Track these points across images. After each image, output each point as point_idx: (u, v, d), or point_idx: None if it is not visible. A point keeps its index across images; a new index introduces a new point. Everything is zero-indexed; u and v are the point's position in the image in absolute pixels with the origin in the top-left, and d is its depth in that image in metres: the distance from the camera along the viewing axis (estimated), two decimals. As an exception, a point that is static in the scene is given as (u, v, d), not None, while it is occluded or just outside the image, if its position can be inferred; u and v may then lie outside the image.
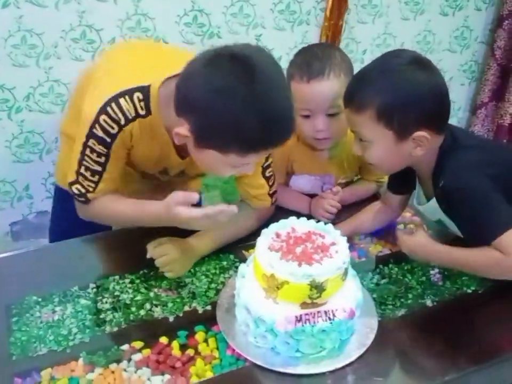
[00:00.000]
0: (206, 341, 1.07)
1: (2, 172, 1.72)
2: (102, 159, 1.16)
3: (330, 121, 1.39)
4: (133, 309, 1.14)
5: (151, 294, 1.17)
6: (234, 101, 0.98)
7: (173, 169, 1.31)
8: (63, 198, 1.43)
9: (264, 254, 1.03)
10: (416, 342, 1.08)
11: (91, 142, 1.13)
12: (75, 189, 1.20)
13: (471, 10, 2.18)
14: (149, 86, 1.12)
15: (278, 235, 1.09)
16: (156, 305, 1.14)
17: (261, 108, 0.98)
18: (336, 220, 1.38)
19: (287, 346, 1.02)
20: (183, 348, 1.05)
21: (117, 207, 1.22)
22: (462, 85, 2.36)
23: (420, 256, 1.20)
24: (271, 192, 1.35)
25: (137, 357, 1.03)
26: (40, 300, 1.15)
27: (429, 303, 1.17)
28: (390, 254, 1.32)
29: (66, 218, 1.41)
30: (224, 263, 1.26)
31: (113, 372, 1.01)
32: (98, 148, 1.14)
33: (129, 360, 1.03)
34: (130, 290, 1.18)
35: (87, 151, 1.15)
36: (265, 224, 1.13)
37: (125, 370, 1.01)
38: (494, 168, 1.11)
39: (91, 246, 1.33)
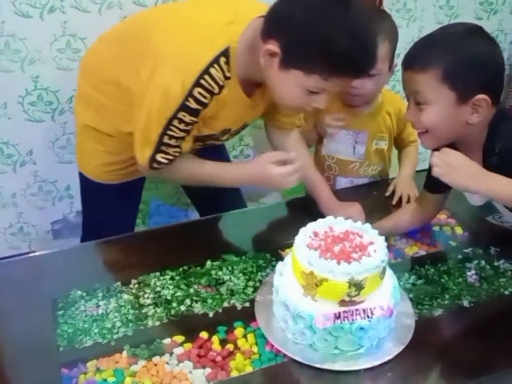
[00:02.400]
0: (244, 336, 1.09)
1: (45, 172, 1.77)
2: (189, 127, 1.21)
3: (366, 81, 1.47)
4: (174, 304, 1.17)
5: (191, 290, 1.20)
6: (329, 20, 1.06)
7: (237, 127, 1.36)
8: (90, 187, 1.48)
9: (303, 251, 1.05)
10: (453, 342, 1.09)
11: (181, 114, 1.17)
12: (161, 158, 1.24)
13: (506, 14, 2.17)
14: (228, 48, 1.16)
15: (316, 234, 1.10)
16: (196, 301, 1.17)
17: (352, 31, 1.06)
18: (371, 219, 1.39)
19: (326, 343, 1.03)
20: (222, 342, 1.08)
21: (196, 167, 1.30)
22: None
23: (460, 177, 1.08)
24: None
25: (178, 350, 1.06)
26: (84, 294, 1.18)
27: (465, 303, 1.18)
28: (426, 255, 1.33)
29: (97, 206, 1.50)
30: (261, 261, 1.29)
31: (156, 365, 1.04)
32: (189, 118, 1.19)
33: (171, 353, 1.06)
34: (171, 287, 1.21)
35: (175, 122, 1.18)
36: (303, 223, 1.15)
37: (167, 363, 1.04)
38: None
39: (132, 243, 1.37)
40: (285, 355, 1.05)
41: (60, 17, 1.54)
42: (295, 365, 1.04)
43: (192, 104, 1.16)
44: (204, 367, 1.03)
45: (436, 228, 1.42)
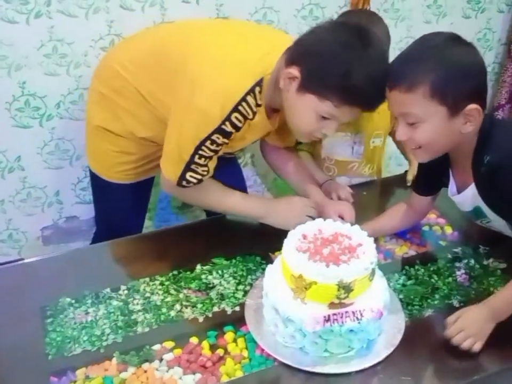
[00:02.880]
0: (235, 341, 1.09)
1: (33, 178, 1.76)
2: (219, 148, 1.29)
3: None
4: (164, 309, 1.16)
5: (181, 296, 1.20)
6: (351, 55, 1.14)
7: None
8: (102, 186, 1.54)
9: (292, 255, 1.05)
10: (443, 342, 1.08)
11: (215, 136, 1.25)
12: (190, 177, 1.30)
13: (493, 12, 2.16)
14: (262, 78, 1.24)
15: (304, 236, 1.10)
16: (186, 306, 1.17)
17: (370, 69, 1.14)
18: (361, 220, 1.39)
19: (316, 346, 1.03)
20: (213, 347, 1.08)
21: (221, 195, 1.38)
22: (486, 87, 2.34)
23: (478, 332, 1.07)
24: None
25: (168, 356, 1.06)
26: (73, 301, 1.18)
27: (455, 303, 1.18)
28: (416, 255, 1.33)
29: (109, 204, 1.55)
30: (251, 265, 1.28)
31: (145, 371, 1.04)
32: (222, 140, 1.26)
33: (161, 359, 1.06)
34: (160, 292, 1.21)
35: (208, 143, 1.25)
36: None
37: (157, 369, 1.04)
38: None
39: (122, 249, 1.36)
40: (275, 359, 1.04)
41: (46, 23, 1.53)
42: (285, 368, 1.04)
43: (228, 127, 1.24)
44: (194, 373, 1.03)
45: (426, 228, 1.42)
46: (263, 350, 1.06)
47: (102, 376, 1.02)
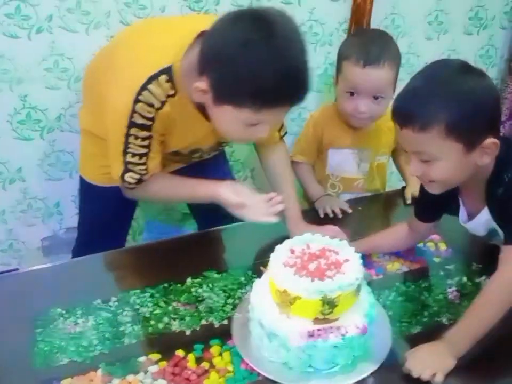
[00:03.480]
0: (221, 354, 1.09)
1: (34, 189, 1.78)
2: (146, 142, 1.24)
3: (373, 104, 1.51)
4: (152, 322, 1.17)
5: (170, 308, 1.20)
6: (252, 54, 1.05)
7: (205, 145, 1.39)
8: (88, 190, 1.55)
9: (278, 269, 1.05)
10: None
11: (133, 131, 1.21)
12: (129, 177, 1.28)
13: (496, 28, 2.17)
14: (171, 66, 1.18)
15: (292, 251, 1.11)
16: (174, 319, 1.17)
17: (277, 63, 1.05)
18: (354, 235, 1.39)
19: (300, 361, 1.03)
20: (198, 360, 1.07)
21: (167, 190, 1.35)
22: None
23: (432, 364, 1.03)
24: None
25: (153, 368, 1.06)
26: (64, 312, 1.19)
27: (444, 321, 1.17)
28: (408, 271, 1.32)
29: (94, 208, 1.54)
30: (242, 278, 1.29)
31: (130, 383, 1.04)
32: (142, 133, 1.22)
33: (146, 371, 1.05)
34: (150, 304, 1.21)
35: (131, 139, 1.22)
36: (280, 241, 1.15)
37: (141, 382, 1.04)
38: None
39: (114, 261, 1.38)
40: (259, 373, 1.04)
41: (47, 38, 1.56)
42: (269, 383, 1.03)
43: (138, 119, 1.19)
44: (177, 386, 1.03)
45: (420, 244, 1.41)
46: (247, 364, 1.06)
47: (87, 387, 1.03)
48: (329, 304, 1.00)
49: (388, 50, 1.47)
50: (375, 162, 1.66)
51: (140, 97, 1.17)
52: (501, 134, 2.15)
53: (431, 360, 1.03)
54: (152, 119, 1.21)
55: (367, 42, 1.49)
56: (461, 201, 1.22)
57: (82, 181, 1.57)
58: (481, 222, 1.19)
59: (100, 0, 1.57)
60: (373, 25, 1.92)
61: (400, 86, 1.09)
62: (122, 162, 1.26)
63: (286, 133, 1.50)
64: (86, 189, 1.56)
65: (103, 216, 1.53)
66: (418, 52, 2.06)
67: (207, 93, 1.14)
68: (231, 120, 1.16)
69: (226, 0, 1.72)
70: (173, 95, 1.20)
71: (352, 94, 1.51)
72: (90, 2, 1.55)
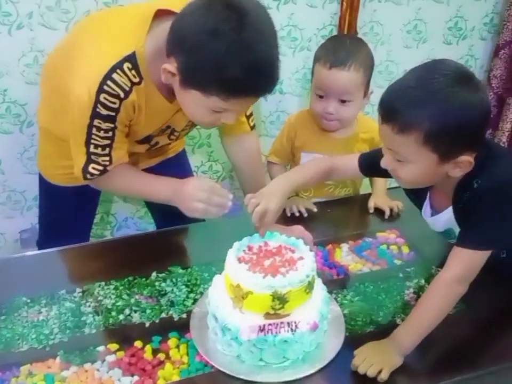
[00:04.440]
0: (177, 347, 1.12)
1: (13, 182, 1.82)
2: (110, 133, 1.22)
3: (340, 107, 1.54)
4: (113, 313, 1.20)
5: (132, 300, 1.23)
6: (221, 44, 1.04)
7: (176, 126, 1.38)
8: (47, 188, 1.54)
9: (233, 265, 1.08)
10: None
11: (96, 122, 1.19)
12: (92, 169, 1.26)
13: (475, 39, 2.21)
14: (134, 53, 1.16)
15: (250, 248, 1.14)
16: (135, 311, 1.20)
17: (245, 55, 1.05)
18: (319, 235, 1.43)
19: (251, 355, 1.06)
20: (155, 352, 1.10)
21: (129, 184, 1.33)
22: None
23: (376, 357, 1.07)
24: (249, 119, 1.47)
25: (111, 358, 1.09)
26: (29, 301, 1.22)
27: (398, 321, 1.19)
28: (369, 272, 1.35)
29: (53, 206, 1.54)
30: (206, 274, 1.31)
31: (86, 371, 1.07)
32: (105, 125, 1.20)
33: (103, 361, 1.09)
34: (113, 296, 1.24)
35: (94, 131, 1.20)
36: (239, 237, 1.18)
37: (97, 370, 1.07)
38: None
39: (81, 253, 1.40)
40: (213, 366, 1.07)
41: (27, 34, 1.60)
42: (221, 375, 1.06)
43: (103, 110, 1.17)
44: (132, 375, 1.06)
45: (383, 247, 1.44)
46: (202, 356, 1.09)
47: (44, 373, 1.06)
48: (280, 299, 1.03)
49: (357, 54, 1.50)
50: None
51: (104, 87, 1.15)
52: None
53: (377, 357, 1.06)
54: (116, 110, 1.19)
55: (336, 45, 1.53)
56: (428, 195, 1.25)
57: (40, 177, 1.56)
58: (443, 219, 1.22)
59: (80, -1, 1.61)
60: (352, 32, 1.96)
61: (379, 92, 1.10)
62: (85, 154, 1.24)
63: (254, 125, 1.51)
64: (44, 185, 1.55)
65: (62, 213, 1.53)
66: (397, 59, 2.10)
67: (175, 76, 1.14)
68: (197, 104, 1.16)
69: None
70: (138, 83, 1.19)
71: (321, 97, 1.54)
72: (70, 1, 1.59)
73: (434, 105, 1.00)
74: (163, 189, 1.31)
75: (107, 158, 1.26)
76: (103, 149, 1.24)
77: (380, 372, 1.05)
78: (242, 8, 1.06)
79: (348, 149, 1.65)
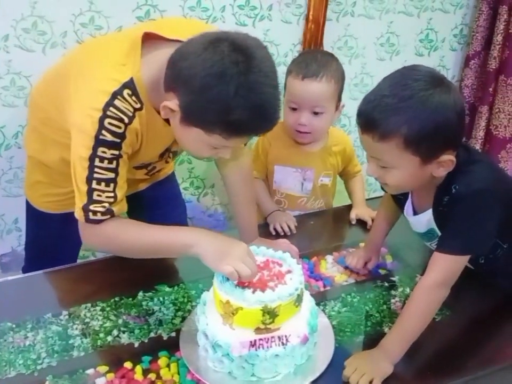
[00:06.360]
0: (168, 366, 1.11)
1: (-8, 206, 1.80)
2: (114, 164, 1.17)
3: (313, 118, 1.57)
4: (101, 335, 1.19)
5: (120, 321, 1.22)
6: (228, 86, 1.04)
7: (175, 148, 1.38)
8: (34, 215, 1.52)
9: (221, 282, 1.08)
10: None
11: (100, 151, 1.14)
12: (94, 208, 1.17)
13: (446, 50, 2.27)
14: (132, 79, 1.15)
15: (237, 264, 1.14)
16: (123, 332, 1.19)
17: (252, 98, 1.05)
18: (304, 249, 1.44)
19: (243, 371, 1.06)
20: (145, 372, 1.10)
21: (141, 230, 1.20)
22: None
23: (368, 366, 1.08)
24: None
25: (101, 381, 1.08)
26: (14, 326, 1.20)
27: (386, 330, 1.21)
28: (354, 283, 1.37)
29: (40, 233, 1.52)
30: (193, 291, 1.32)
31: (76, 395, 1.06)
32: (110, 153, 1.15)
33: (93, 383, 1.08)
34: (100, 317, 1.23)
35: (96, 162, 1.14)
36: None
37: (87, 393, 1.06)
38: (503, 184, 1.16)
39: (66, 276, 1.39)
40: (204, 383, 1.07)
41: (4, 57, 1.59)
42: (213, 393, 1.06)
43: (108, 136, 1.14)
44: (123, 397, 1.05)
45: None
46: (193, 374, 1.08)
47: (33, 399, 1.05)
48: (270, 314, 1.03)
49: (328, 66, 1.54)
50: (319, 183, 1.72)
51: (107, 113, 1.12)
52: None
53: (368, 367, 1.07)
54: (122, 135, 1.15)
55: (308, 59, 1.57)
56: (410, 195, 1.28)
57: (28, 204, 1.54)
58: (424, 220, 1.25)
59: (56, 21, 1.60)
60: (327, 47, 2.00)
61: (355, 105, 1.12)
62: (85, 193, 1.17)
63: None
64: (31, 211, 1.53)
65: (50, 239, 1.51)
66: (372, 72, 2.15)
67: (175, 111, 1.13)
68: (198, 140, 1.15)
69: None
70: (139, 108, 1.17)
71: (294, 109, 1.57)
72: (46, 23, 1.59)
73: (410, 110, 1.04)
74: (189, 233, 1.19)
75: (111, 195, 1.18)
76: (107, 185, 1.17)
77: (371, 381, 1.06)
78: (249, 49, 1.06)
79: (321, 162, 1.68)
